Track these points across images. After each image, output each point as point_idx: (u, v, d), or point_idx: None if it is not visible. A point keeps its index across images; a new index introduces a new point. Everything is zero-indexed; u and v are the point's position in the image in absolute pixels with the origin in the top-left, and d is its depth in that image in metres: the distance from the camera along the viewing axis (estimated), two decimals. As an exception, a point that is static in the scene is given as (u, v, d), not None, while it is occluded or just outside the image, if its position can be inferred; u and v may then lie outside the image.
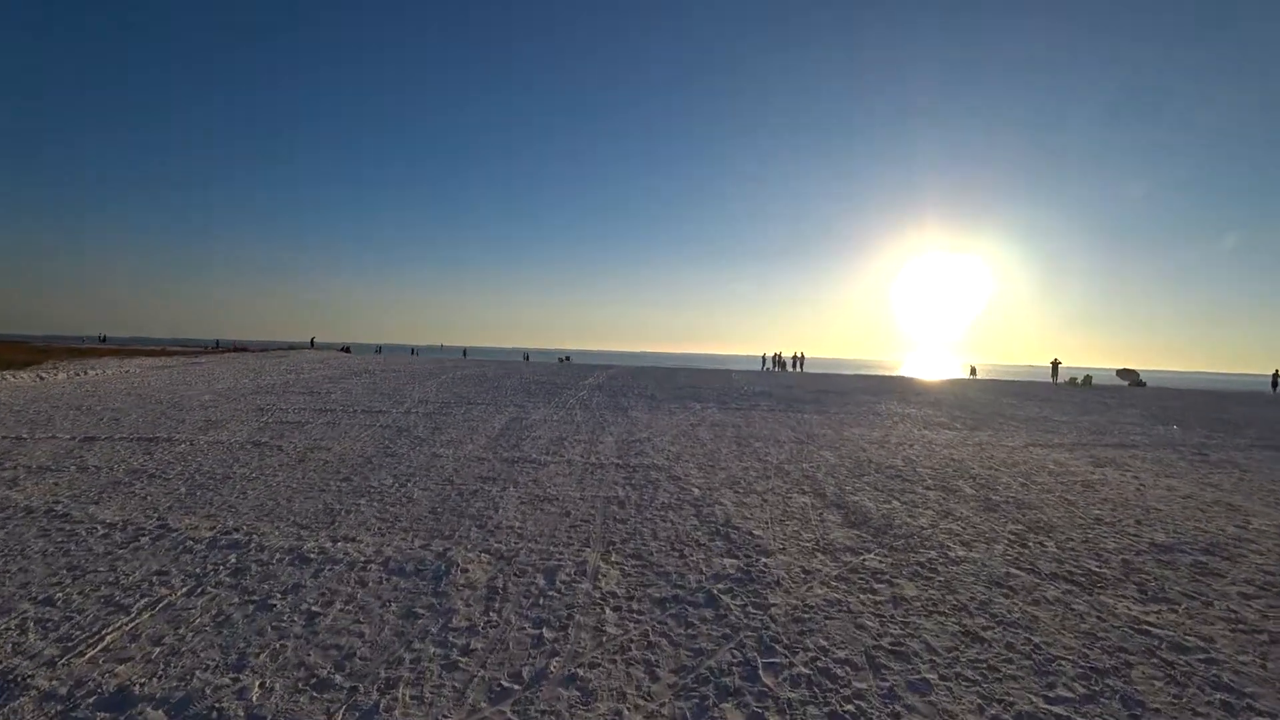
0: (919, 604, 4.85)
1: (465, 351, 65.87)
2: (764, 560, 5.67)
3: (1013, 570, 5.68)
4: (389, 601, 4.71)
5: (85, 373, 24.45)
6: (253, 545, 5.89)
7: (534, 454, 10.50)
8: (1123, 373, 47.63)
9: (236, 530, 6.33)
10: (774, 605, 4.74)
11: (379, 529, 6.42)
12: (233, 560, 5.50)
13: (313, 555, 5.63)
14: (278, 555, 5.63)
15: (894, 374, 52.26)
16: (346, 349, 55.05)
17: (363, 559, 5.56)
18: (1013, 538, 6.65)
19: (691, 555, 5.77)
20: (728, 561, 5.62)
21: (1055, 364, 39.02)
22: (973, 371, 52.65)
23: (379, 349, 72.49)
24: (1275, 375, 37.41)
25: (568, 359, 56.65)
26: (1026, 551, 6.21)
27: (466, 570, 5.30)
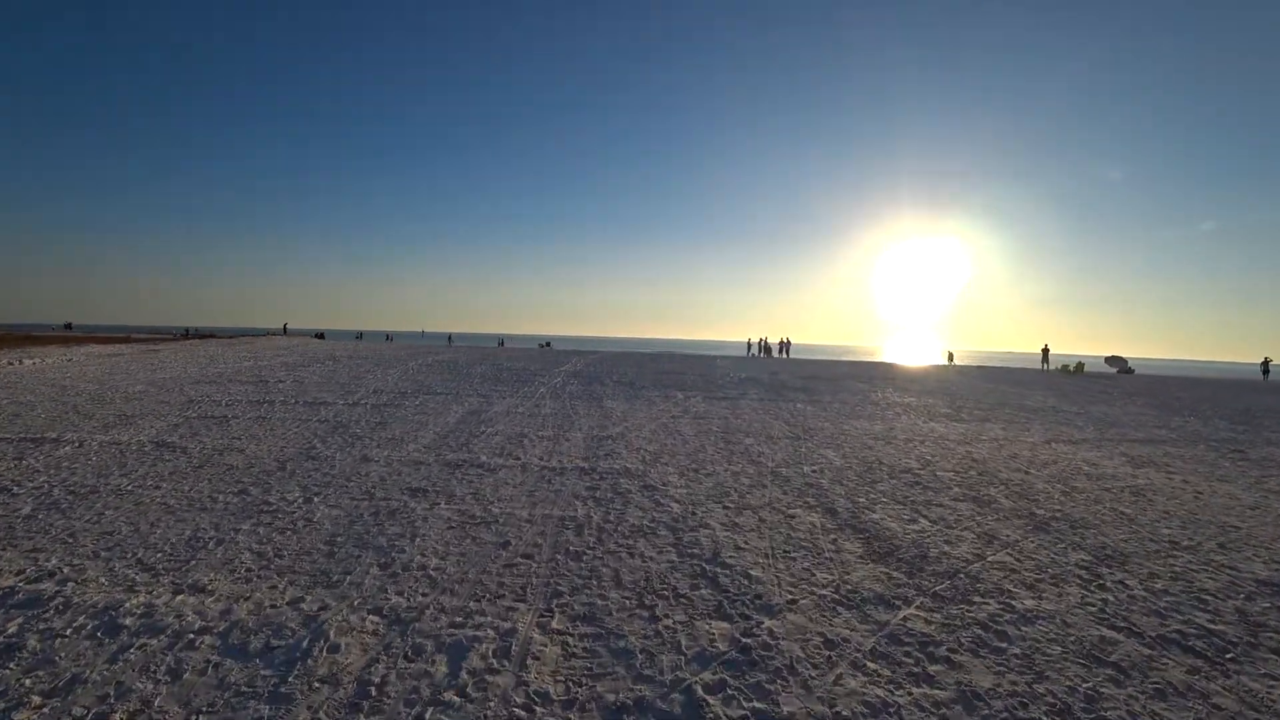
0: (1002, 706, 3.23)
1: (450, 338, 63.61)
2: (768, 625, 4.02)
3: (1106, 632, 4.09)
4: (198, 713, 3.02)
5: (20, 362, 22.29)
6: (56, 601, 4.15)
7: (484, 456, 8.80)
8: (1110, 359, 46.66)
9: (52, 574, 4.58)
10: None
11: (246, 571, 4.69)
12: (10, 631, 3.77)
13: (129, 620, 3.91)
14: (80, 620, 3.91)
15: (876, 360, 50.98)
16: (320, 335, 52.83)
17: (197, 626, 3.85)
18: (1084, 574, 5.07)
19: (667, 617, 4.11)
20: (717, 628, 3.96)
21: (1045, 350, 37.81)
22: (950, 358, 51.45)
23: (359, 335, 70.10)
24: (1265, 363, 36.43)
25: (548, 344, 54.79)
26: (1110, 598, 4.62)
27: (338, 649, 3.60)
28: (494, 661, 3.49)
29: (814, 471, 8.41)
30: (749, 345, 46.45)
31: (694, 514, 6.37)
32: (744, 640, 3.82)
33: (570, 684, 3.29)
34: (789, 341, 44.78)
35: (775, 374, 24.57)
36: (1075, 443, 11.55)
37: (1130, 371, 43.31)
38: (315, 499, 6.56)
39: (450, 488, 7.07)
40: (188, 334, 54.98)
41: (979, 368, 39.64)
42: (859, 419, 13.59)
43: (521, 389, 16.64)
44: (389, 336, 65.76)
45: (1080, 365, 37.08)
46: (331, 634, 3.76)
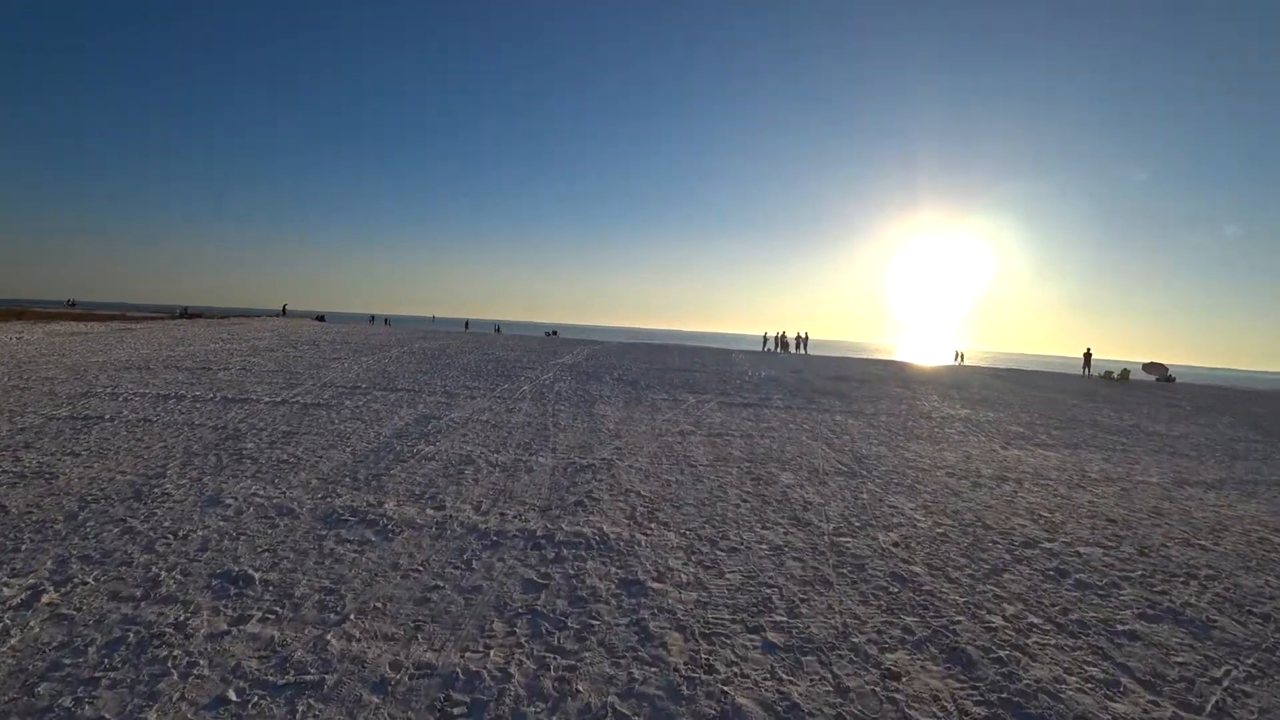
0: None
1: (468, 324, 60.66)
2: None
3: None
4: None
5: (-47, 334, 19.70)
6: None
7: (392, 501, 5.80)
8: (1150, 366, 42.99)
9: None
10: None
11: None
12: None
13: None
14: None
15: (890, 358, 47.59)
16: (321, 318, 50.15)
17: None
18: None
19: None
20: None
21: (1088, 355, 34.38)
22: (960, 357, 48.03)
23: (372, 318, 67.37)
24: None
25: (554, 333, 51.90)
26: None
27: None
28: None
29: (896, 546, 5.34)
30: (765, 339, 43.27)
31: (711, 667, 3.34)
32: None
33: None
34: (807, 336, 41.55)
35: (799, 373, 21.45)
36: (1214, 487, 8.44)
37: (1171, 380, 39.74)
38: (44, 593, 3.61)
39: (291, 581, 4.07)
40: (185, 313, 52.58)
41: (1022, 372, 36.27)
42: (919, 440, 10.51)
43: (500, 386, 13.66)
44: (386, 320, 62.92)
45: (1125, 372, 33.66)
46: None
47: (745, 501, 6.39)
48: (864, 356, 49.88)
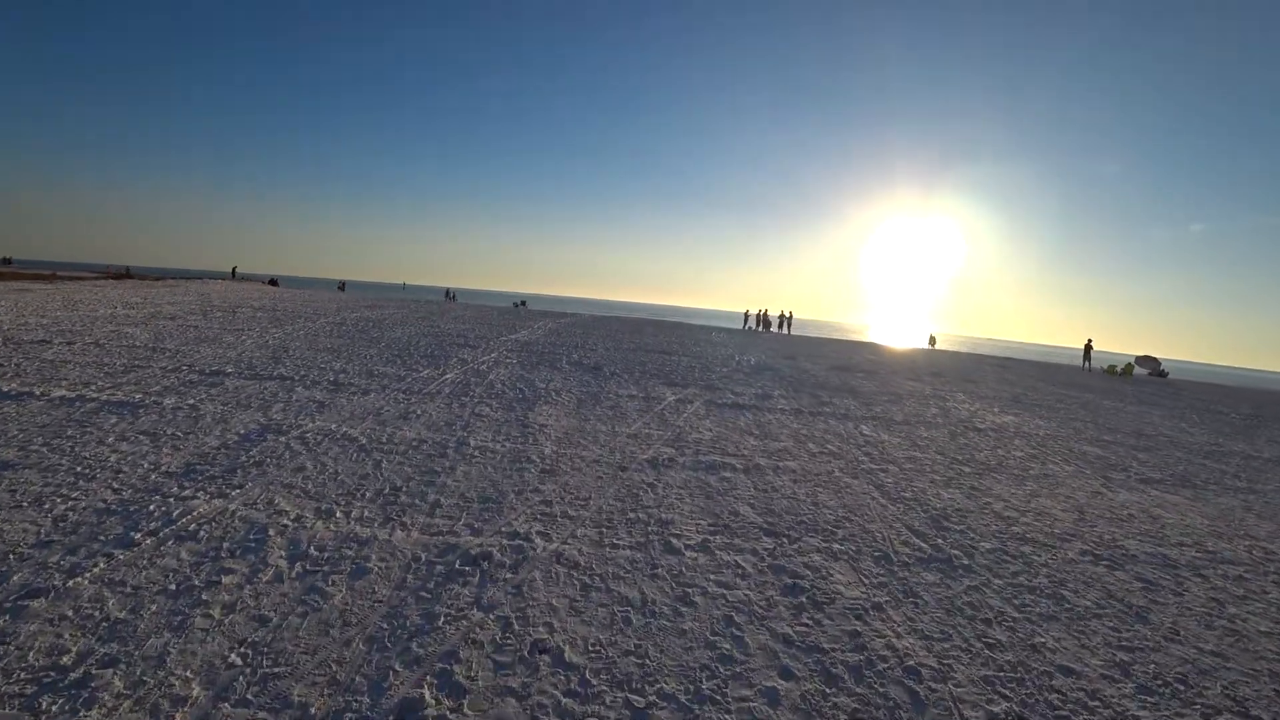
0: None
1: (452, 293, 55.57)
2: None
3: None
4: None
5: None
6: None
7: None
8: (1142, 360, 40.56)
9: None
10: None
11: None
12: None
13: None
14: None
15: (870, 339, 44.67)
16: (273, 281, 45.63)
17: None
18: None
19: None
20: None
21: (1088, 347, 31.61)
22: (932, 341, 45.42)
23: (342, 285, 62.23)
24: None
25: (523, 303, 48.01)
26: None
27: None
28: None
29: None
30: (746, 318, 39.99)
31: None
32: None
33: None
34: (791, 315, 38.33)
35: (793, 359, 18.12)
36: None
37: (1164, 375, 37.44)
38: None
39: None
40: (127, 273, 47.67)
41: (1006, 360, 33.52)
42: (991, 474, 7.27)
43: (416, 373, 10.10)
44: (341, 285, 57.97)
45: (1130, 367, 31.04)
46: None
47: (791, 679, 3.03)
48: (842, 338, 46.86)
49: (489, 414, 7.69)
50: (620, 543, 4.30)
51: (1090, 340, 31.87)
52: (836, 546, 4.65)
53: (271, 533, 4.10)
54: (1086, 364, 31.66)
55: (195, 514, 4.27)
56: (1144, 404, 16.77)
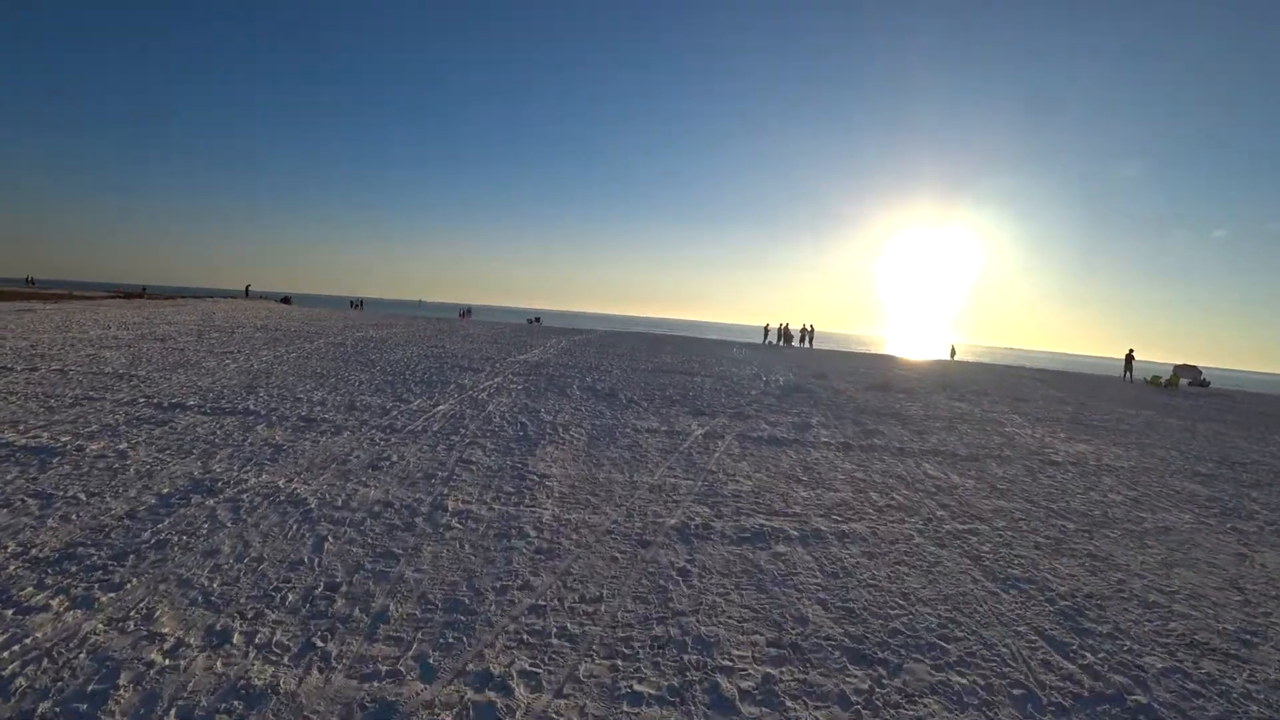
0: None
1: (469, 309, 55.14)
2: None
3: None
4: None
5: None
6: None
7: None
8: (1182, 369, 38.31)
9: None
10: None
11: None
12: None
13: None
14: None
15: (890, 352, 42.76)
16: (287, 300, 44.87)
17: None
18: None
19: None
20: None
21: (1129, 357, 29.64)
22: (952, 352, 43.48)
23: (360, 303, 61.52)
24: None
25: (538, 320, 46.77)
26: None
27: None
28: None
29: None
30: (765, 332, 38.37)
31: None
32: None
33: None
34: (813, 330, 36.68)
35: (823, 377, 16.55)
36: None
37: (1206, 384, 35.27)
38: None
39: None
40: (144, 292, 47.21)
41: (1041, 372, 31.64)
42: (1102, 530, 5.71)
43: (407, 403, 8.74)
44: (353, 304, 57.20)
45: (1175, 377, 29.03)
46: None
47: None
48: (863, 351, 44.96)
49: (480, 459, 6.27)
50: (644, 691, 2.85)
51: (1131, 350, 29.93)
52: (956, 680, 3.16)
53: (123, 678, 2.71)
54: (1128, 374, 29.71)
55: (27, 641, 2.90)
56: (1209, 420, 15.02)
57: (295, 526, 4.40)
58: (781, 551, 4.56)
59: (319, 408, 8.09)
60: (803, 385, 14.33)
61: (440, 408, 8.59)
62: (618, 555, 4.26)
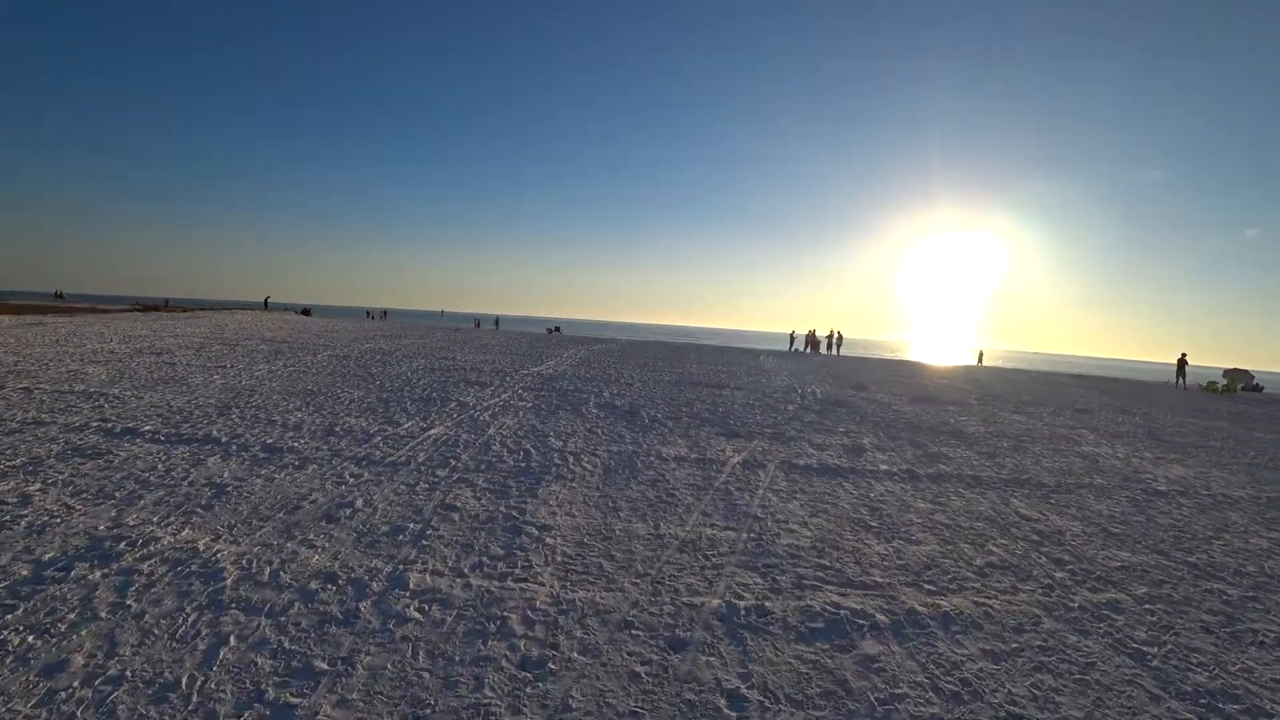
0: None
1: (498, 321, 54.59)
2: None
3: None
4: None
5: None
6: None
7: None
8: (1233, 373, 35.96)
9: None
10: None
11: None
12: None
13: None
14: None
15: (915, 358, 40.81)
16: (306, 311, 44.27)
17: None
18: None
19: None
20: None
21: (1182, 362, 27.54)
22: (979, 357, 41.47)
23: (383, 313, 61.36)
24: None
25: (557, 329, 45.56)
26: None
27: None
28: None
29: None
30: (792, 339, 36.80)
31: None
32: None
33: None
34: (841, 336, 35.02)
35: (863, 389, 15.04)
36: None
37: (1259, 389, 32.93)
38: None
39: None
40: (166, 305, 47.01)
41: (1090, 379, 29.65)
42: (1270, 619, 4.26)
43: (396, 425, 7.49)
44: (372, 314, 56.91)
45: (1234, 382, 26.92)
46: None
47: None
48: (891, 357, 43.03)
49: (467, 504, 4.98)
50: None
51: (1184, 355, 27.88)
52: None
53: None
54: (1180, 380, 27.65)
55: None
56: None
57: (192, 619, 3.13)
58: (871, 653, 3.19)
59: (291, 434, 6.88)
60: (842, 398, 12.86)
61: (433, 431, 7.33)
62: (640, 670, 2.92)
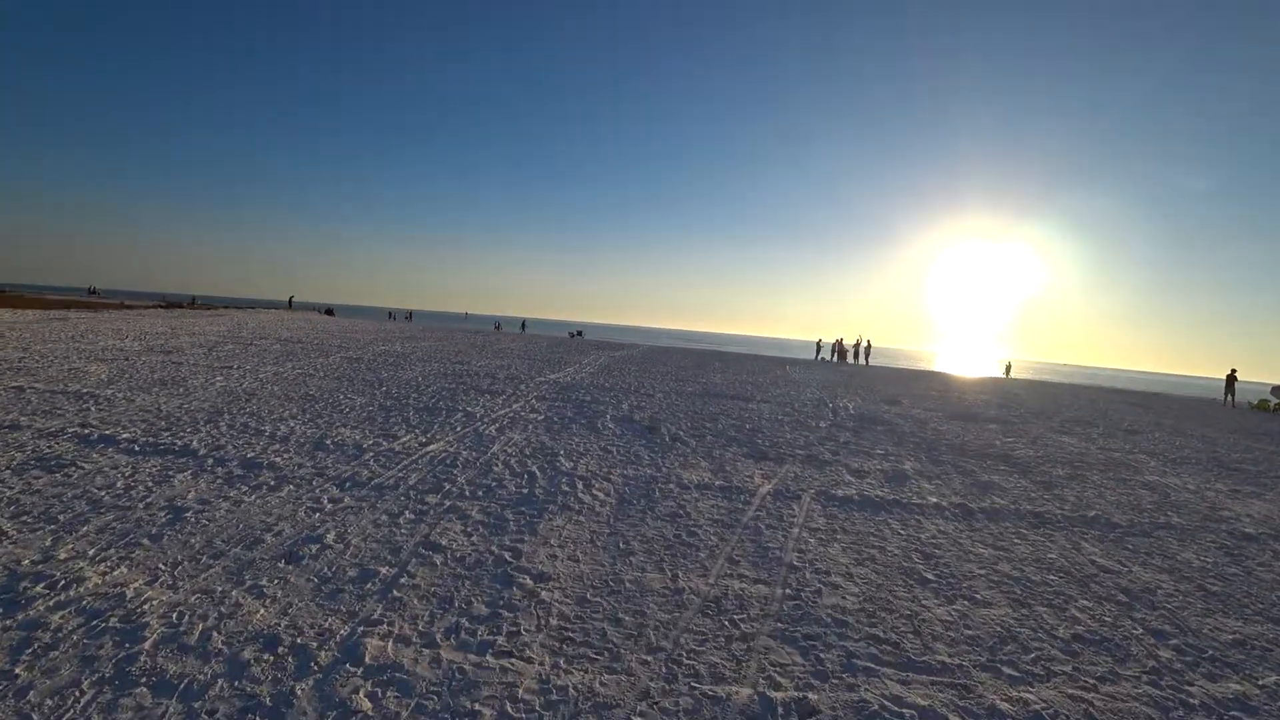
0: None
1: (524, 324, 54.26)
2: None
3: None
4: None
5: None
6: None
7: None
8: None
9: None
10: None
11: None
12: None
13: None
14: None
15: (943, 369, 39.42)
16: (330, 311, 44.27)
17: None
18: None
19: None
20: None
21: (1231, 378, 25.99)
22: (1008, 369, 39.97)
23: (409, 315, 61.41)
24: None
25: (579, 333, 44.95)
26: None
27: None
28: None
29: None
30: (819, 348, 35.74)
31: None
32: None
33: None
34: (869, 345, 33.88)
35: (898, 404, 14.11)
36: None
37: (1318, 407, 31.02)
38: None
39: None
40: (193, 303, 47.38)
41: (1132, 394, 28.21)
42: None
43: (388, 440, 6.86)
44: (392, 315, 56.99)
45: (1286, 401, 25.29)
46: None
47: None
48: (917, 368, 41.68)
49: (453, 542, 4.28)
50: None
51: (1234, 371, 26.33)
52: None
53: None
54: (1229, 398, 26.11)
55: None
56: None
57: (85, 699, 2.47)
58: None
59: (276, 446, 6.27)
60: (877, 415, 11.97)
61: (431, 448, 6.67)
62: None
